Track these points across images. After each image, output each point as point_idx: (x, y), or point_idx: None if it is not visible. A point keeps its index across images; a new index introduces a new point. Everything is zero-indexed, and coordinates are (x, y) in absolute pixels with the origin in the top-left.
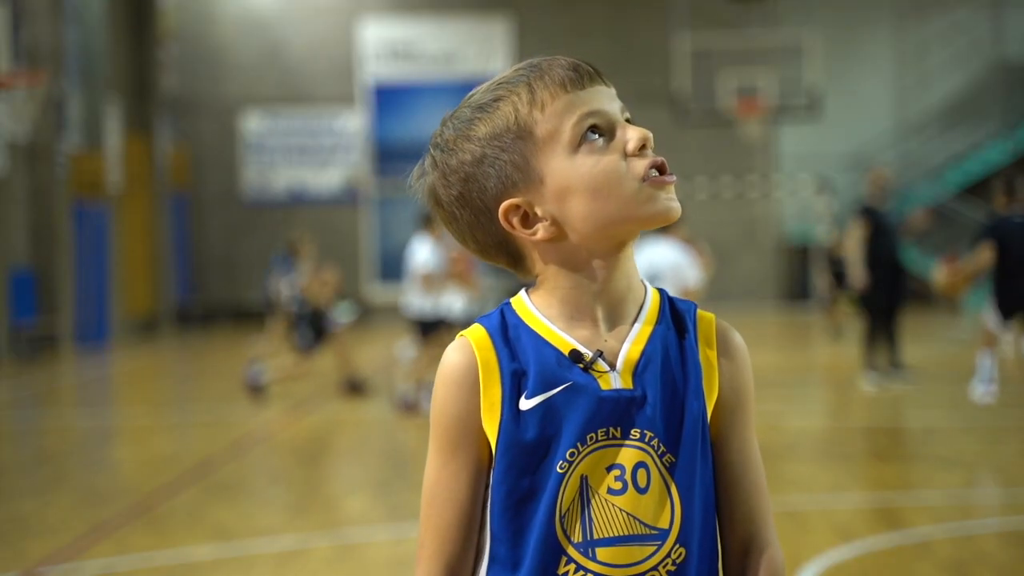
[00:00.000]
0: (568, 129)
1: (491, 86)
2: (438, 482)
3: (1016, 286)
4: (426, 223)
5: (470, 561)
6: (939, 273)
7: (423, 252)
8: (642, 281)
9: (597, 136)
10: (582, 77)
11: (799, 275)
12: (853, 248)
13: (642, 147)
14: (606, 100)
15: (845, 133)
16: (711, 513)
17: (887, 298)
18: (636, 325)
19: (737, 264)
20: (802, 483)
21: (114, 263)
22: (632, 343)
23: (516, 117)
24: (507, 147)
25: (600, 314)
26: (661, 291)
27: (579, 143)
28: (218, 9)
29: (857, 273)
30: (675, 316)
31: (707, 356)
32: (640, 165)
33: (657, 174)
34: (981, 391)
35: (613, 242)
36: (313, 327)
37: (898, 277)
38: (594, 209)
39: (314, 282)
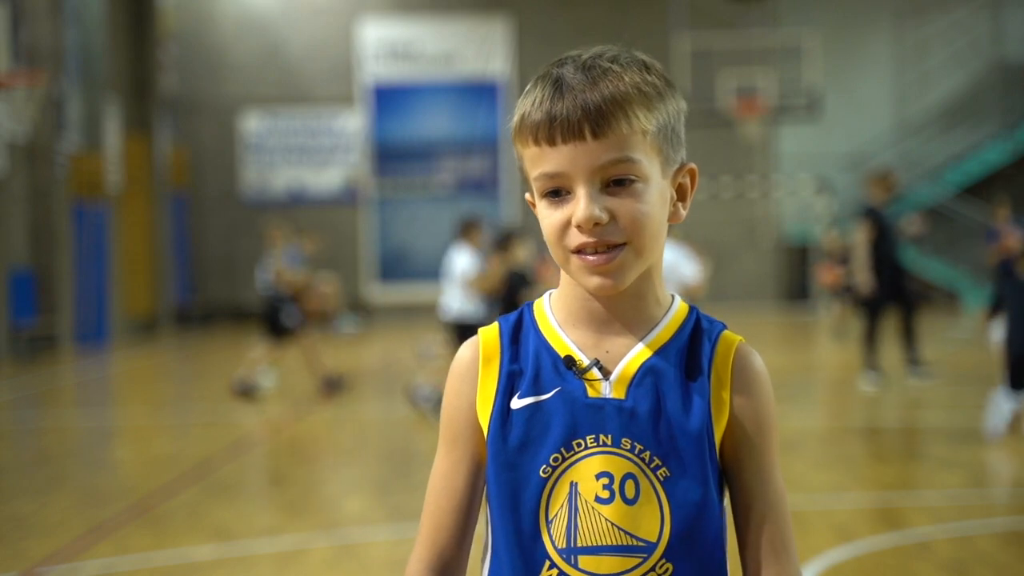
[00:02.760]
0: (532, 179)
1: (528, 85)
2: (438, 472)
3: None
4: (465, 231)
5: (464, 551)
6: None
7: (464, 259)
8: (672, 295)
9: (554, 193)
10: (554, 134)
11: (798, 275)
12: (859, 250)
13: (580, 225)
14: (576, 161)
15: (844, 133)
16: (716, 533)
17: (895, 299)
18: (646, 338)
19: (736, 264)
20: (802, 483)
21: (114, 263)
22: (634, 355)
23: (512, 136)
24: (517, 157)
25: (607, 323)
26: (692, 308)
27: (540, 194)
28: (218, 9)
29: (863, 276)
30: (696, 334)
31: (719, 378)
32: (574, 240)
33: (583, 253)
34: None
35: None
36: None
37: (900, 277)
38: (551, 252)
39: (285, 271)
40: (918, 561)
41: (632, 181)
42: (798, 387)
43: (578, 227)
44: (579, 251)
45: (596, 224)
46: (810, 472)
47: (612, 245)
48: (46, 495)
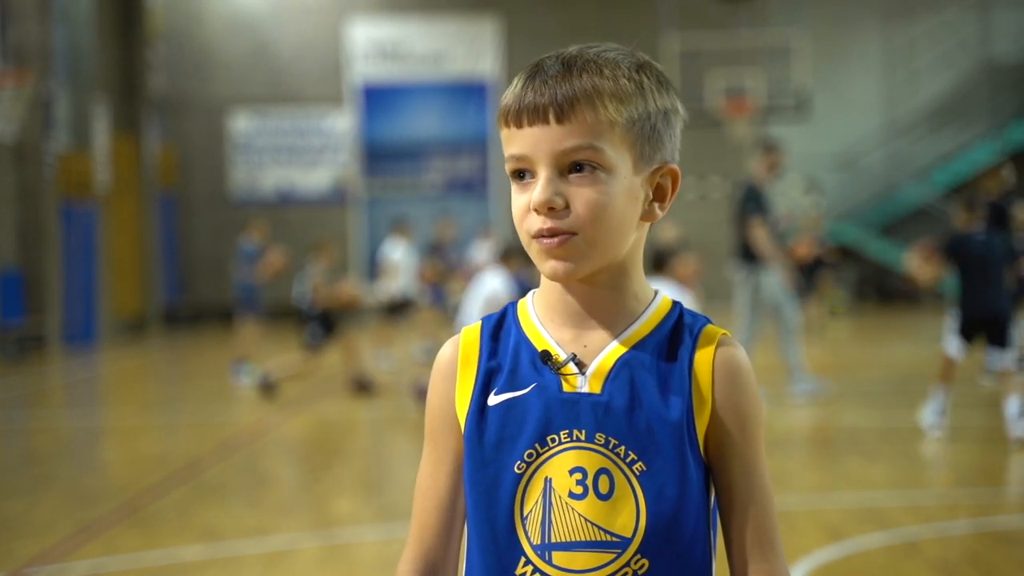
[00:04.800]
0: (505, 160)
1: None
2: (423, 472)
3: (978, 303)
4: (505, 257)
5: (452, 551)
6: (911, 260)
7: (497, 282)
8: (655, 290)
9: (520, 176)
10: (521, 115)
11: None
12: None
13: (536, 208)
14: (538, 144)
15: (833, 133)
16: (697, 529)
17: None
18: (624, 332)
19: (725, 265)
20: (790, 483)
21: (102, 263)
22: (611, 349)
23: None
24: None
25: (585, 318)
26: (675, 303)
27: (510, 176)
28: (206, 9)
29: None
30: (677, 329)
31: (699, 372)
32: (533, 224)
33: (540, 237)
34: (931, 422)
35: None
36: (323, 325)
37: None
38: (519, 237)
39: (325, 285)
40: (907, 560)
41: (593, 168)
42: (786, 386)
43: (535, 210)
44: (536, 237)
45: (551, 208)
46: (799, 472)
47: (565, 232)
48: (35, 495)
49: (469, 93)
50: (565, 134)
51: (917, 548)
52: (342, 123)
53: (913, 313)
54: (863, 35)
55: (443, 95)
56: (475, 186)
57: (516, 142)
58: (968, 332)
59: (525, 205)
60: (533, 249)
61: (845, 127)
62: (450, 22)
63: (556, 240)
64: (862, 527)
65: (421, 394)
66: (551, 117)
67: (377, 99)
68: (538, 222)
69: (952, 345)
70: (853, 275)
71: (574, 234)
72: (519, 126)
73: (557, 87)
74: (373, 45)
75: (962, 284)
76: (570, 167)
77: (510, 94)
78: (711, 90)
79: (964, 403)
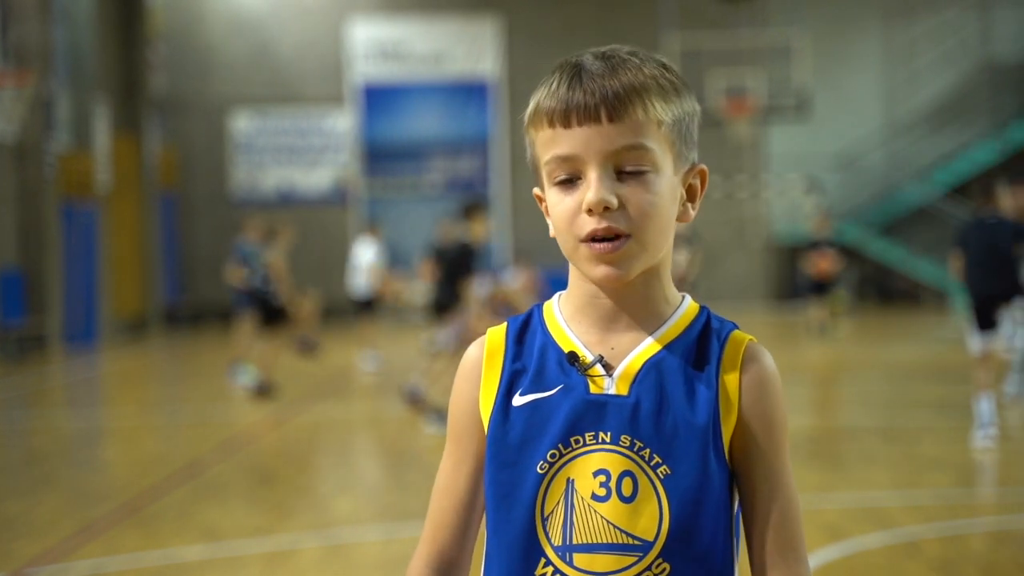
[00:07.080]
0: (543, 164)
1: (545, 77)
2: (442, 470)
3: (977, 283)
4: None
5: (467, 551)
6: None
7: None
8: (683, 295)
9: (565, 178)
10: (569, 116)
11: (788, 275)
12: None
13: (591, 209)
14: (590, 143)
15: (834, 133)
16: (720, 534)
17: None
18: (653, 335)
19: (726, 264)
20: None
21: (103, 263)
22: (639, 351)
23: (526, 125)
24: (528, 145)
25: (613, 320)
26: (702, 308)
27: (552, 180)
28: (207, 9)
29: None
30: (705, 333)
31: (727, 377)
32: (584, 226)
33: (592, 241)
34: (980, 435)
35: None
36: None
37: None
38: (560, 242)
39: (277, 265)
40: (908, 560)
41: (644, 172)
42: (786, 386)
43: (588, 211)
44: (587, 240)
45: (606, 208)
46: (800, 472)
47: (618, 234)
48: (35, 495)
49: (470, 93)
50: (617, 133)
51: (917, 548)
52: (342, 123)
53: (913, 313)
54: (863, 35)
55: (443, 95)
56: (476, 186)
57: (564, 143)
58: (983, 317)
59: (575, 207)
60: (582, 253)
61: (846, 127)
62: (450, 22)
63: (611, 245)
64: (862, 527)
65: (413, 397)
66: (603, 116)
67: (377, 99)
68: (591, 223)
69: (975, 342)
70: (854, 275)
71: (629, 236)
72: (567, 126)
73: (607, 85)
74: (373, 45)
75: (967, 268)
76: (620, 167)
77: (550, 95)
78: (711, 90)
79: (965, 403)
